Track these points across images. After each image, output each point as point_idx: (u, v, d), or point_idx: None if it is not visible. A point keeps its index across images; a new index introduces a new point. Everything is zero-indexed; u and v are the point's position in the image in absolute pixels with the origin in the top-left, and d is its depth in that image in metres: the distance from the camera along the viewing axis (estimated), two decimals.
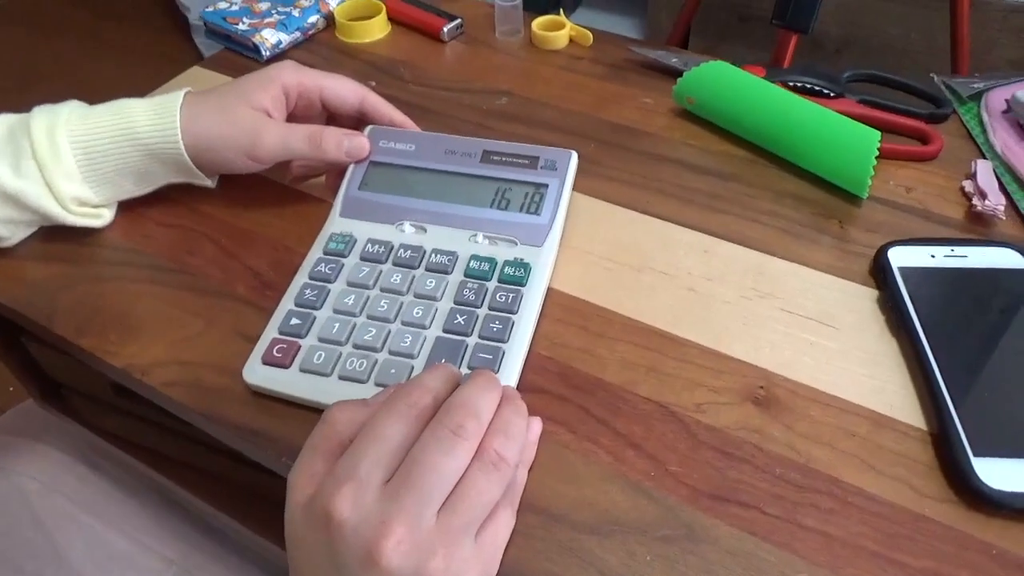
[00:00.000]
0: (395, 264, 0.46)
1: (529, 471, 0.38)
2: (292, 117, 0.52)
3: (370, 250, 0.46)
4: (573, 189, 0.50)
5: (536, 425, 0.39)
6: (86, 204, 0.49)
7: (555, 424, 0.40)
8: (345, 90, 0.51)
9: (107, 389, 0.61)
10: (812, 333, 0.43)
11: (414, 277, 0.45)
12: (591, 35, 0.67)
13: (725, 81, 0.56)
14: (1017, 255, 0.45)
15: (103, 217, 0.50)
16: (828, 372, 0.41)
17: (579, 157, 0.49)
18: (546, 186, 0.48)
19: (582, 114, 0.60)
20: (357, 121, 0.53)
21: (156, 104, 0.48)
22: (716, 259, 0.48)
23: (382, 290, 0.44)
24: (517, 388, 0.41)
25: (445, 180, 0.49)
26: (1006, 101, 0.56)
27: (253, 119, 0.48)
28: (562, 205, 0.48)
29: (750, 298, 0.45)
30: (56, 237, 0.50)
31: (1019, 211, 0.50)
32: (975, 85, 0.59)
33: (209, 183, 0.51)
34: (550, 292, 0.46)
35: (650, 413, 0.40)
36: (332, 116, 0.54)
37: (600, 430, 0.39)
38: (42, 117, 0.47)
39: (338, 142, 0.49)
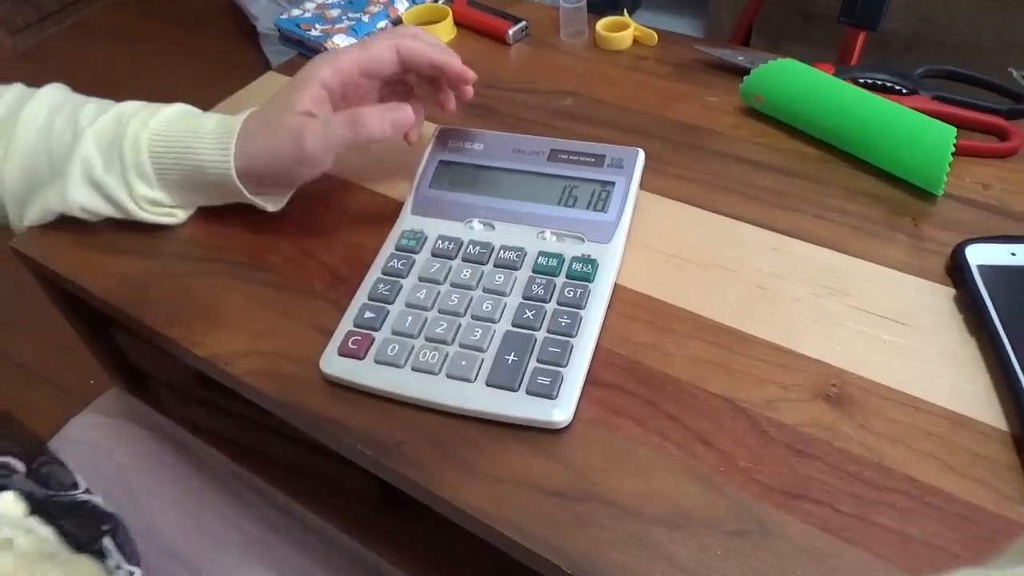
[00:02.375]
0: (465, 260, 0.47)
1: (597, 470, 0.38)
2: (350, 104, 0.51)
3: (440, 246, 0.47)
4: (641, 188, 0.51)
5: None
6: (160, 204, 0.52)
7: (623, 418, 0.40)
8: (379, 56, 0.49)
9: (190, 380, 0.64)
10: (886, 331, 0.43)
11: (483, 273, 0.46)
12: (656, 35, 0.67)
13: (794, 78, 0.55)
14: None
15: (177, 216, 0.53)
16: (903, 371, 0.41)
17: (645, 156, 0.50)
18: (613, 184, 0.49)
19: (647, 113, 0.60)
20: (430, 75, 0.52)
21: (219, 128, 0.49)
22: (785, 257, 0.47)
23: (452, 285, 0.45)
24: (585, 383, 0.41)
25: (513, 178, 0.50)
26: None
27: (294, 125, 0.47)
28: (629, 202, 0.48)
29: (821, 296, 0.45)
30: (146, 235, 0.53)
31: None
32: None
33: (269, 207, 0.51)
34: (617, 288, 0.46)
35: (719, 409, 0.40)
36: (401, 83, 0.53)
37: (669, 425, 0.40)
38: (141, 114, 0.50)
39: (380, 117, 0.47)
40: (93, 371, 0.67)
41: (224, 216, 0.54)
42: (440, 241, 0.48)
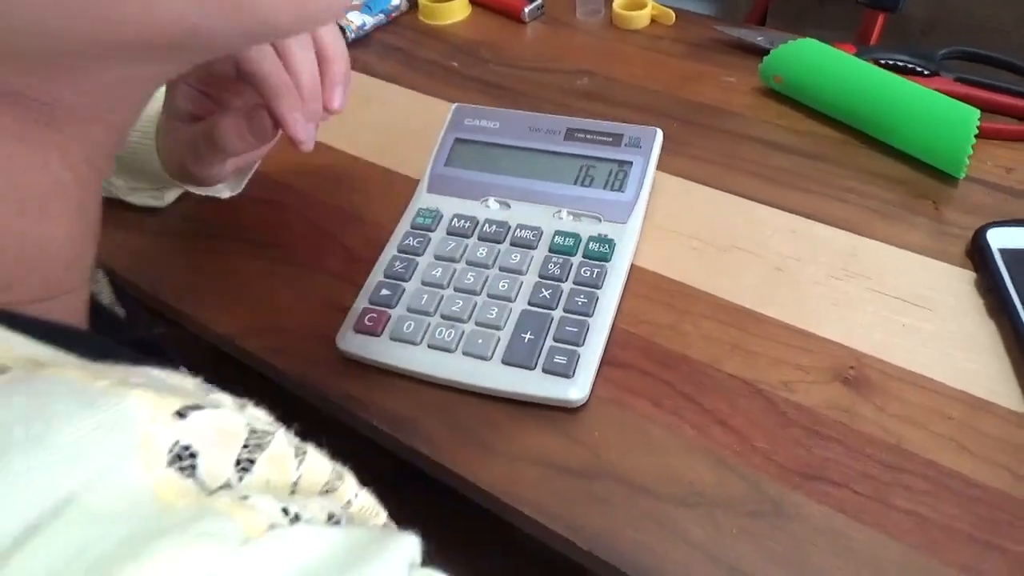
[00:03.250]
0: (481, 239, 0.46)
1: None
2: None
3: (456, 225, 0.47)
4: (658, 169, 0.50)
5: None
6: (140, 188, 0.51)
7: (639, 398, 0.40)
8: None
9: (204, 360, 0.64)
10: (905, 315, 0.42)
11: (500, 251, 0.46)
12: (673, 14, 0.67)
13: (815, 59, 0.54)
14: None
15: (161, 200, 0.52)
16: (922, 354, 0.40)
17: (664, 137, 0.49)
18: (630, 163, 0.48)
19: (664, 93, 0.60)
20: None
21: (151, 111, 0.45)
22: (804, 239, 0.47)
23: (468, 263, 0.45)
24: (601, 362, 0.41)
25: (529, 157, 0.50)
26: None
27: (173, 130, 0.42)
28: (646, 182, 0.48)
29: (840, 278, 0.45)
30: (159, 212, 0.53)
31: None
32: None
33: (227, 193, 0.49)
34: (634, 269, 0.46)
35: (735, 389, 0.40)
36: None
37: (684, 405, 0.40)
38: None
39: (238, 131, 0.38)
40: None
41: (239, 195, 0.54)
42: (456, 219, 0.48)
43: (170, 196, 0.53)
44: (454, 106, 0.54)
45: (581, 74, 0.63)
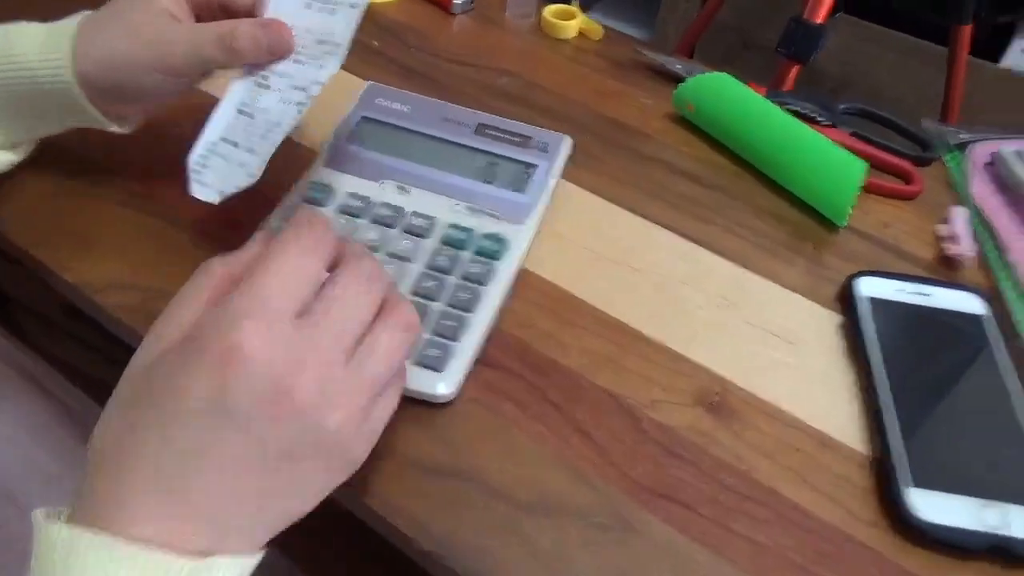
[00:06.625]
0: (373, 221, 0.45)
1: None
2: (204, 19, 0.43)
3: (349, 204, 0.46)
4: (563, 177, 0.50)
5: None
6: None
7: (507, 400, 0.40)
8: None
9: (57, 311, 0.60)
10: (774, 348, 0.44)
11: (391, 236, 0.44)
12: (601, 29, 0.67)
13: (726, 93, 0.56)
14: (978, 301, 0.46)
15: (8, 158, 0.44)
16: (783, 388, 0.42)
17: (574, 146, 0.49)
18: (535, 166, 0.48)
19: (581, 105, 0.60)
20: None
21: (48, 30, 0.41)
22: (693, 265, 0.48)
23: None
24: (477, 360, 0.41)
25: (436, 146, 0.49)
26: (991, 155, 0.57)
27: (156, 25, 0.40)
28: (548, 187, 0.48)
29: (720, 307, 0.46)
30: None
31: (987, 261, 0.51)
32: (963, 136, 0.60)
33: (116, 128, 0.44)
34: (526, 274, 0.46)
35: (603, 403, 0.40)
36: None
37: (551, 412, 0.40)
38: None
39: (254, 38, 0.40)
40: None
41: (123, 140, 0.50)
42: (350, 198, 0.46)
43: (16, 156, 0.45)
44: (367, 84, 0.52)
45: (503, 74, 0.62)
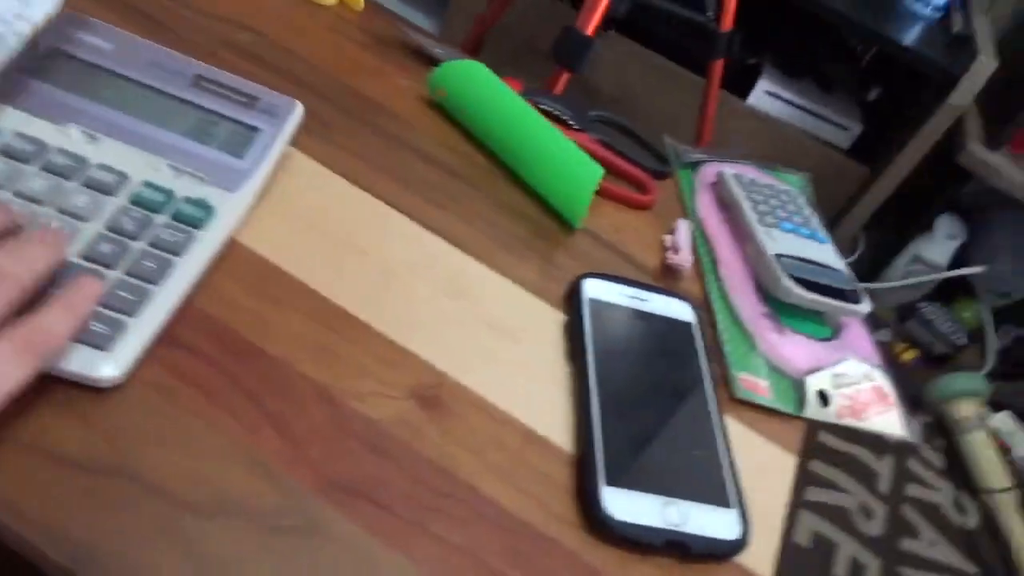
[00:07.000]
0: (43, 169, 0.38)
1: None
2: None
3: (15, 146, 0.38)
4: (294, 147, 0.46)
5: (90, 282, 0.33)
6: None
7: (192, 387, 0.35)
8: None
9: None
10: (495, 342, 0.43)
11: (65, 190, 0.37)
12: (362, 2, 0.64)
13: (477, 82, 0.55)
14: (688, 308, 0.48)
15: None
16: (500, 384, 0.41)
17: (314, 118, 0.45)
18: (259, 130, 0.43)
19: (331, 76, 0.56)
20: None
21: None
22: (423, 251, 0.46)
23: (15, 195, 0.36)
24: (160, 340, 0.35)
25: (140, 93, 0.43)
26: (717, 174, 0.62)
27: None
28: (271, 155, 0.43)
29: (446, 296, 0.44)
30: None
31: (702, 271, 0.54)
32: (696, 155, 0.65)
33: None
34: (237, 247, 0.41)
35: (305, 393, 0.37)
36: None
37: (243, 402, 0.35)
38: None
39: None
40: None
41: None
42: (17, 139, 0.38)
43: None
44: (66, 13, 0.44)
45: (246, 30, 0.56)
